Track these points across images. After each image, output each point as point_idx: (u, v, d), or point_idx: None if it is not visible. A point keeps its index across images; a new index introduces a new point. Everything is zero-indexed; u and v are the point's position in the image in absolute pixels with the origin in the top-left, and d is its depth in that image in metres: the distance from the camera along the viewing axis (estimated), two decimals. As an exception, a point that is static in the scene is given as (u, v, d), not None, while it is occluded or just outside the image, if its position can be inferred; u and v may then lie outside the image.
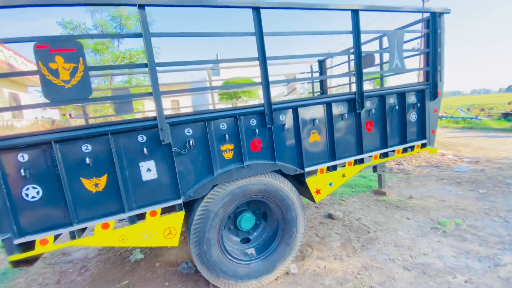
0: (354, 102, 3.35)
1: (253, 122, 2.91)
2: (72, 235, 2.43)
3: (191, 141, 2.64)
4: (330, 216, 4.79)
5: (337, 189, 6.12)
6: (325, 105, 3.24)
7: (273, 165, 2.99)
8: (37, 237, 2.31)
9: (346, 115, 3.34)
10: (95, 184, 2.45)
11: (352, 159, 3.41)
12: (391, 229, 4.20)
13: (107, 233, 2.49)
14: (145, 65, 2.42)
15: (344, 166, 3.43)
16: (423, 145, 3.95)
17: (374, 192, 5.76)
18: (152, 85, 2.43)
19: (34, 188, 2.30)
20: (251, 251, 3.25)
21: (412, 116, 3.84)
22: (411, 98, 3.81)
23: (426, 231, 4.06)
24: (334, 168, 3.35)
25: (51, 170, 2.32)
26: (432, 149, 4.01)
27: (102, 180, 2.47)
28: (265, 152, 2.99)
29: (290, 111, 3.07)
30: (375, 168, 4.98)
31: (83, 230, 2.59)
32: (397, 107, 3.66)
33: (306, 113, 3.15)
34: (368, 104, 3.48)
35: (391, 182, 6.36)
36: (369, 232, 4.17)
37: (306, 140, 3.16)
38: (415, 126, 3.89)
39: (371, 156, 3.56)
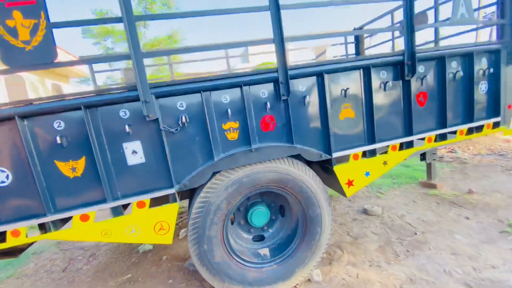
0: (402, 66, 2.53)
1: (264, 93, 2.27)
2: (48, 227, 2.07)
3: (184, 118, 2.10)
4: (365, 212, 4.03)
5: (375, 181, 5.26)
6: (362, 70, 2.47)
7: (290, 148, 2.35)
8: (7, 228, 1.98)
9: (390, 83, 2.54)
10: (72, 168, 2.05)
11: (397, 142, 2.62)
12: (445, 231, 3.34)
13: (87, 226, 2.10)
14: (120, 19, 1.89)
15: (386, 151, 2.66)
16: (496, 125, 2.98)
17: (421, 185, 4.82)
18: (129, 43, 1.91)
19: (2, 171, 1.96)
20: (265, 251, 2.70)
21: (482, 86, 2.89)
22: (481, 62, 2.84)
23: (493, 235, 3.14)
24: (372, 153, 2.60)
25: (20, 151, 1.95)
26: (508, 130, 3.02)
27: (80, 164, 2.06)
28: (279, 132, 2.35)
29: (314, 78, 2.37)
30: (423, 156, 4.08)
31: (65, 221, 2.23)
32: (461, 73, 2.74)
33: (335, 81, 2.43)
34: (421, 69, 2.63)
35: (443, 173, 5.31)
36: (416, 233, 3.36)
37: (335, 117, 2.45)
38: (485, 100, 2.93)
39: (424, 138, 2.73)
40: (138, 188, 2.15)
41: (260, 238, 2.82)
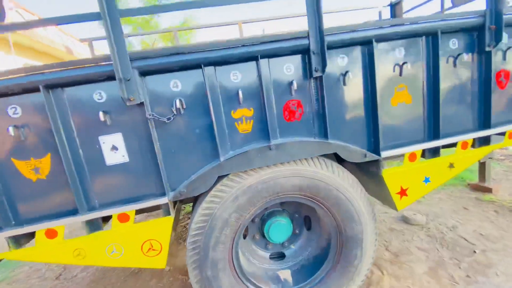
0: (481, 32, 1.81)
1: (289, 68, 1.65)
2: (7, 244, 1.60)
3: (179, 102, 1.53)
4: (405, 220, 3.35)
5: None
6: (424, 37, 1.78)
7: (323, 145, 1.72)
8: (-48, 246, 1.52)
9: (464, 57, 1.83)
10: (34, 169, 1.55)
11: (470, 137, 1.93)
12: (515, 250, 2.62)
13: (54, 244, 1.61)
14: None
15: (454, 149, 1.97)
16: None
17: (470, 187, 4.04)
18: (98, -5, 1.34)
19: None
20: (285, 275, 2.13)
21: None
22: None
23: None
24: (435, 152, 1.92)
25: (-36, 146, 1.47)
26: None
27: (44, 163, 1.55)
28: (308, 123, 1.73)
29: (359, 49, 1.72)
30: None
31: (32, 236, 1.75)
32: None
33: (388, 53, 1.76)
34: (505, 38, 1.89)
35: (495, 174, 4.47)
36: (475, 251, 2.66)
37: (386, 102, 1.79)
38: None
39: (505, 133, 2.01)
40: (120, 196, 1.62)
41: (279, 256, 2.25)
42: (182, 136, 1.61)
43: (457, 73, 1.86)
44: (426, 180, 1.89)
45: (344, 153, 1.75)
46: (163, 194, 1.62)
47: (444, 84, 1.84)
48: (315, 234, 2.17)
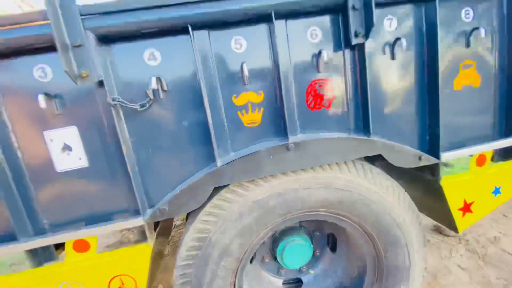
0: None
1: (315, 34, 1.15)
2: None
3: (157, 82, 1.05)
4: (438, 231, 2.85)
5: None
6: None
7: (363, 144, 1.23)
8: None
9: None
10: (-47, 177, 1.08)
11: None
12: None
13: (-14, 283, 1.15)
14: None
15: None
16: None
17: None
18: None
19: None
20: (303, 309, 1.66)
21: None
22: None
23: None
24: (507, 154, 1.42)
25: None
26: None
27: (-32, 169, 1.08)
28: (341, 113, 1.24)
29: (412, 7, 1.21)
30: None
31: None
32: None
33: (451, 15, 1.25)
34: None
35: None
36: (531, 273, 2.17)
37: (447, 84, 1.29)
38: None
39: None
40: (76, 214, 1.15)
41: (296, 282, 1.79)
42: (162, 131, 1.13)
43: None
44: (496, 191, 1.39)
45: (391, 156, 1.25)
46: (136, 213, 1.15)
47: (526, 61, 1.33)
48: (341, 258, 1.69)
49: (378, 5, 1.14)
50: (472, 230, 2.82)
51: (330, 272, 1.73)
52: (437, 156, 1.29)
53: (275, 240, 1.64)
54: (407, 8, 1.20)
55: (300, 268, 1.74)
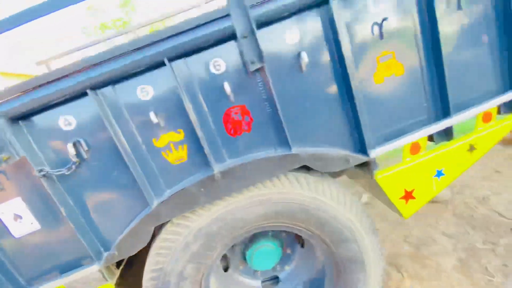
0: None
1: (218, 65, 1.18)
2: None
3: (74, 146, 1.14)
4: (425, 197, 2.86)
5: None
6: None
7: (286, 159, 1.27)
8: None
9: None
10: None
11: (493, 103, 1.38)
12: None
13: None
14: None
15: (473, 126, 1.44)
16: None
17: (503, 142, 3.40)
18: None
19: None
20: (282, 303, 1.79)
21: None
22: None
23: None
24: (446, 135, 1.41)
25: None
26: None
27: None
28: (263, 132, 1.28)
29: (313, 13, 1.19)
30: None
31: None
32: None
33: (355, 12, 1.22)
34: None
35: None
36: (515, 230, 2.18)
37: (366, 81, 1.28)
38: None
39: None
40: (45, 268, 1.30)
41: (274, 278, 1.91)
42: (97, 184, 1.23)
43: (461, 19, 1.28)
44: (439, 173, 1.40)
45: (317, 164, 1.29)
46: (91, 261, 1.28)
47: (448, 37, 1.28)
48: (310, 252, 1.78)
49: (271, 21, 1.15)
50: (462, 192, 2.81)
51: (304, 266, 1.84)
52: (365, 153, 1.31)
53: (246, 247, 1.75)
54: (306, 15, 1.19)
55: (274, 267, 1.85)
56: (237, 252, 1.79)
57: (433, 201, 2.80)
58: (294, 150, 1.26)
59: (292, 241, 1.85)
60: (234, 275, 1.84)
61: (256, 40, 1.06)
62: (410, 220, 2.66)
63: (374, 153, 1.31)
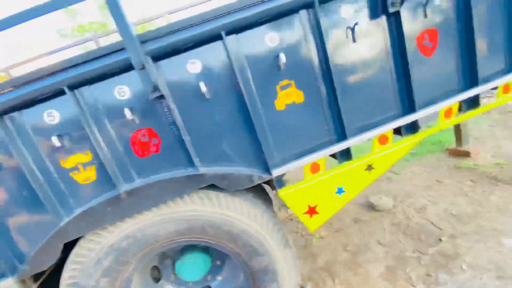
0: None
1: (122, 91, 1.26)
2: None
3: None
4: (372, 207, 3.01)
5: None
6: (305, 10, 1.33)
7: (192, 179, 1.36)
8: None
9: (361, 25, 1.37)
10: None
11: (388, 127, 1.51)
12: (487, 231, 2.27)
13: None
14: None
15: (370, 148, 1.58)
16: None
17: (449, 153, 3.61)
18: None
19: None
20: (212, 312, 1.87)
21: None
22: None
23: None
24: (345, 156, 1.54)
25: None
26: None
27: None
28: (172, 153, 1.36)
29: (210, 48, 1.29)
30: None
31: None
32: None
33: (253, 44, 1.33)
34: (420, -12, 1.41)
35: (479, 131, 3.99)
36: (441, 239, 2.33)
37: (268, 108, 1.39)
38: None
39: (439, 111, 1.58)
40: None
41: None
42: (11, 205, 1.29)
43: (359, 47, 1.41)
44: (340, 190, 1.52)
45: (223, 183, 1.39)
46: (3, 275, 1.33)
47: (343, 67, 1.41)
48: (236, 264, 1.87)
49: (168, 55, 1.24)
50: (403, 201, 2.97)
51: (233, 276, 1.92)
52: (268, 172, 1.42)
53: (176, 258, 1.82)
54: (204, 50, 1.28)
55: (206, 277, 1.93)
56: (168, 263, 1.86)
57: (376, 210, 2.95)
58: (201, 170, 1.35)
59: (222, 252, 1.93)
60: (166, 286, 1.91)
61: (149, 73, 1.15)
62: (352, 228, 2.80)
63: (277, 172, 1.42)
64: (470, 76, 1.56)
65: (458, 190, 2.87)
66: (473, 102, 1.61)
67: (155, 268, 1.84)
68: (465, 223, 2.42)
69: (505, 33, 1.54)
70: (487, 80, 1.58)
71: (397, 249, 2.38)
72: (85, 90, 1.22)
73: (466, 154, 3.37)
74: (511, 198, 2.52)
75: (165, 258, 1.83)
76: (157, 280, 1.87)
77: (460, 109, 1.64)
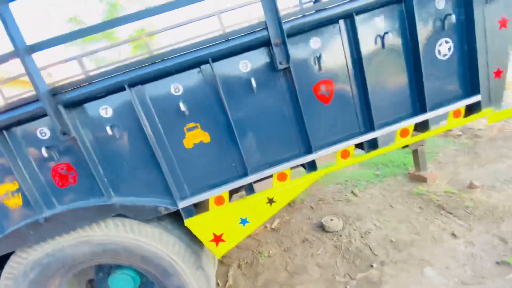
0: (267, 46, 1.52)
1: (44, 133, 1.49)
2: None
3: None
4: (322, 227, 3.14)
5: (352, 173, 4.23)
6: (200, 67, 1.53)
7: (103, 209, 1.57)
8: None
9: (257, 81, 1.55)
10: None
11: (286, 166, 1.68)
12: (415, 260, 2.37)
13: None
14: None
15: (272, 182, 1.74)
16: (474, 107, 1.83)
17: (409, 177, 3.70)
18: None
19: None
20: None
21: (441, 48, 1.73)
22: (432, 6, 1.67)
23: (484, 270, 2.11)
24: (250, 190, 1.71)
25: None
26: (499, 113, 1.86)
27: None
28: (88, 185, 1.58)
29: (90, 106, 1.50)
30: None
31: None
32: (391, 36, 1.62)
33: (155, 91, 1.53)
34: (314, 43, 1.58)
35: (444, 155, 4.05)
36: (372, 265, 2.44)
37: (178, 146, 1.59)
38: (450, 70, 1.78)
39: (338, 151, 1.73)
40: None
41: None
42: None
43: (253, 100, 1.59)
44: (244, 221, 1.69)
45: (131, 213, 1.59)
46: None
47: (242, 115, 1.59)
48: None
49: (82, 103, 1.45)
50: (353, 223, 3.08)
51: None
52: (175, 204, 1.61)
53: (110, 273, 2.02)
54: (114, 97, 1.50)
55: (139, 291, 2.12)
56: (103, 277, 2.07)
57: (325, 231, 3.07)
58: (112, 200, 1.56)
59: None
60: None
61: (60, 116, 1.37)
62: (299, 248, 2.93)
63: (183, 204, 1.61)
64: (368, 121, 1.71)
65: (404, 216, 2.97)
66: (373, 144, 1.75)
67: (92, 281, 2.05)
68: (399, 251, 2.52)
69: (396, 81, 1.70)
70: (385, 125, 1.72)
71: (331, 272, 2.50)
72: (15, 133, 1.45)
73: (423, 180, 3.45)
74: (448, 229, 2.61)
75: (101, 272, 2.04)
76: (94, 291, 2.08)
77: (365, 148, 1.79)
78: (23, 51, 1.27)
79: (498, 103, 1.82)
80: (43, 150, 1.44)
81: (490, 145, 3.88)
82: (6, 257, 1.61)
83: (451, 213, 2.78)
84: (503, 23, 1.69)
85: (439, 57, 1.73)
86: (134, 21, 1.38)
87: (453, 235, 2.51)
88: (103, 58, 10.74)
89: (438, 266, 2.25)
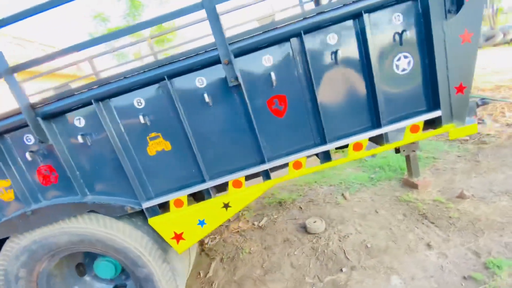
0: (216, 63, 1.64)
1: (28, 139, 1.74)
2: None
3: None
4: (305, 229, 3.23)
5: (348, 175, 4.22)
6: (159, 83, 1.68)
7: (77, 205, 1.81)
8: None
9: (208, 97, 1.68)
10: None
11: (241, 174, 1.80)
12: (384, 268, 2.40)
13: None
14: None
15: (227, 188, 1.88)
16: (436, 123, 1.82)
17: (403, 182, 3.63)
18: None
19: None
20: (123, 305, 2.33)
21: (400, 64, 1.73)
22: (389, 22, 1.67)
23: (451, 283, 2.10)
24: (208, 194, 1.86)
25: None
26: (462, 129, 1.82)
27: None
28: (66, 184, 1.82)
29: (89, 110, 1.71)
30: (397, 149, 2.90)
31: None
32: (344, 50, 1.66)
33: (120, 106, 1.71)
34: (267, 60, 1.67)
35: (445, 161, 3.90)
36: (342, 269, 2.51)
37: (142, 152, 1.78)
38: (410, 85, 1.77)
39: (291, 161, 1.82)
40: None
41: (122, 285, 2.45)
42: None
43: (210, 114, 1.72)
44: (201, 223, 1.85)
45: (102, 210, 1.81)
46: (-46, 259, 1.91)
47: (199, 127, 1.73)
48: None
49: (57, 115, 1.68)
50: (335, 226, 3.13)
51: (142, 279, 2.35)
52: (139, 205, 1.81)
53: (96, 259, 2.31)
54: (88, 109, 1.70)
55: (120, 276, 2.39)
56: (90, 262, 2.35)
57: (307, 232, 3.15)
58: (85, 198, 1.79)
59: (135, 258, 2.37)
60: (89, 280, 2.40)
61: (38, 126, 1.60)
62: (279, 247, 3.05)
63: (146, 204, 1.80)
64: (320, 134, 1.77)
65: (386, 222, 2.96)
66: (326, 155, 1.82)
67: (81, 264, 2.34)
68: (372, 257, 2.55)
69: (350, 96, 1.73)
70: (338, 138, 1.77)
71: (301, 272, 2.61)
72: (6, 139, 1.72)
73: (415, 186, 3.38)
74: (426, 238, 2.58)
75: (88, 258, 2.32)
76: (83, 274, 2.38)
77: (321, 158, 1.85)
78: (4, 72, 1.50)
79: (461, 119, 1.79)
80: (27, 154, 1.70)
81: (495, 153, 3.67)
82: (2, 242, 1.91)
83: (433, 223, 2.74)
84: (466, 38, 1.65)
85: (397, 71, 1.73)
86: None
87: (428, 245, 2.49)
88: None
89: (405, 276, 2.27)
